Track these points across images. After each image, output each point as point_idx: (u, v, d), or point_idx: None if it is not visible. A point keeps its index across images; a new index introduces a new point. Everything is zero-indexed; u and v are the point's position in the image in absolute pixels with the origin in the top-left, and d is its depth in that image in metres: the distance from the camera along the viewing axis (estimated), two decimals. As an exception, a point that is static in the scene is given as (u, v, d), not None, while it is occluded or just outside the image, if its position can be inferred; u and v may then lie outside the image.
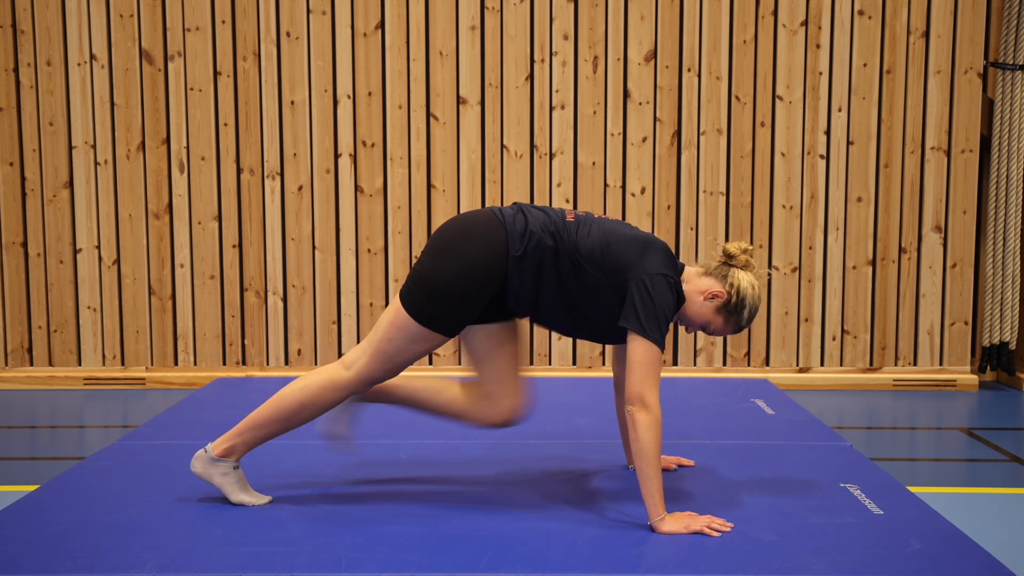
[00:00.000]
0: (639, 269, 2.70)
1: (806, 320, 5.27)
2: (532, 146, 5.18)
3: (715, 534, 2.61)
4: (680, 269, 2.82)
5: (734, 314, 2.81)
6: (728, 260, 2.83)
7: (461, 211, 5.17)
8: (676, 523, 2.64)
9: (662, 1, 5.12)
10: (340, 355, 5.22)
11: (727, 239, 5.21)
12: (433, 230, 5.17)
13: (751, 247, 2.86)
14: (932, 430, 4.64)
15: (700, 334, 5.25)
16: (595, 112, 5.17)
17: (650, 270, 2.70)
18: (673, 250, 5.20)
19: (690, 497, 2.92)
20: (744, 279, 2.80)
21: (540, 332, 5.24)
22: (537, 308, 2.81)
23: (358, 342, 5.22)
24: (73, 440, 4.42)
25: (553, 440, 3.59)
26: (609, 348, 5.28)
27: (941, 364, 5.30)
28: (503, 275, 2.73)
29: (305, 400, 2.81)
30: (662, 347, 2.68)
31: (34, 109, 5.13)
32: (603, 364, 5.25)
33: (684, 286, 2.81)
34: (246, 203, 5.20)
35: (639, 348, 2.66)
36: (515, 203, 2.84)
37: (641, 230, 2.86)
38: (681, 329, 5.24)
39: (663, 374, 5.15)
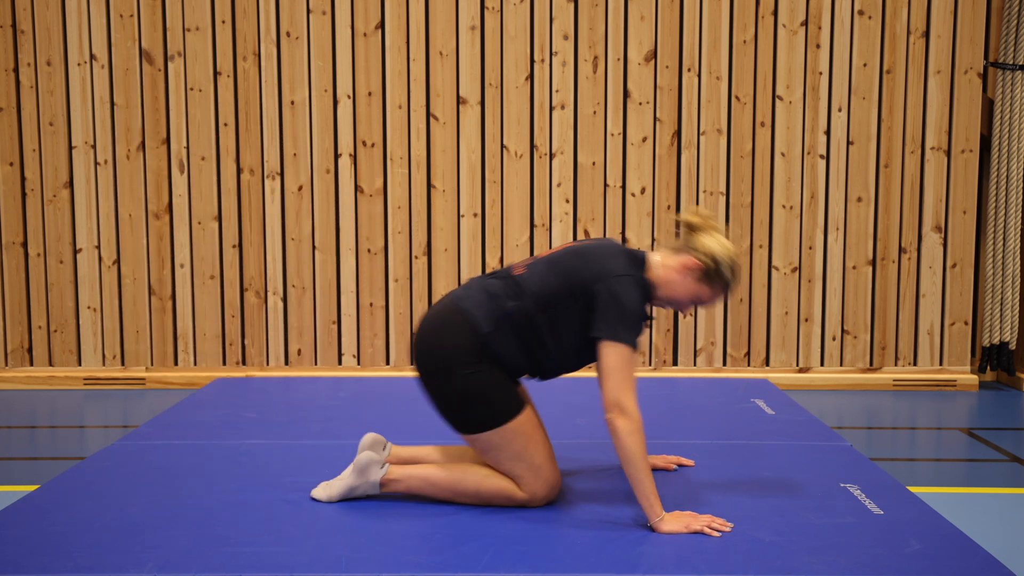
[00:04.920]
0: (599, 277, 2.70)
1: (806, 320, 5.27)
2: (532, 146, 5.18)
3: (715, 534, 2.61)
4: (642, 261, 2.79)
5: (717, 278, 2.77)
6: (690, 230, 2.80)
7: (461, 211, 5.18)
8: (676, 522, 2.64)
9: (662, 1, 5.12)
10: (340, 355, 5.23)
11: (727, 239, 5.20)
12: (432, 234, 5.18)
13: (706, 210, 2.83)
14: (932, 430, 4.64)
15: (700, 335, 5.25)
16: (595, 112, 5.17)
17: (611, 274, 2.70)
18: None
19: (690, 497, 2.92)
20: (711, 241, 2.76)
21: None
22: (540, 366, 2.82)
23: (358, 342, 5.23)
24: (73, 440, 4.42)
25: (553, 440, 3.58)
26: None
27: (941, 364, 5.30)
28: (486, 352, 2.74)
29: (482, 493, 2.81)
30: (635, 346, 2.67)
31: (34, 109, 5.13)
32: (603, 364, 5.24)
33: (657, 271, 2.78)
34: (246, 203, 5.20)
35: (610, 353, 2.66)
36: (470, 279, 2.87)
37: (588, 241, 2.86)
38: (681, 329, 5.24)
39: (664, 374, 5.18)
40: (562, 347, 2.78)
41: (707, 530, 2.61)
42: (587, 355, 2.81)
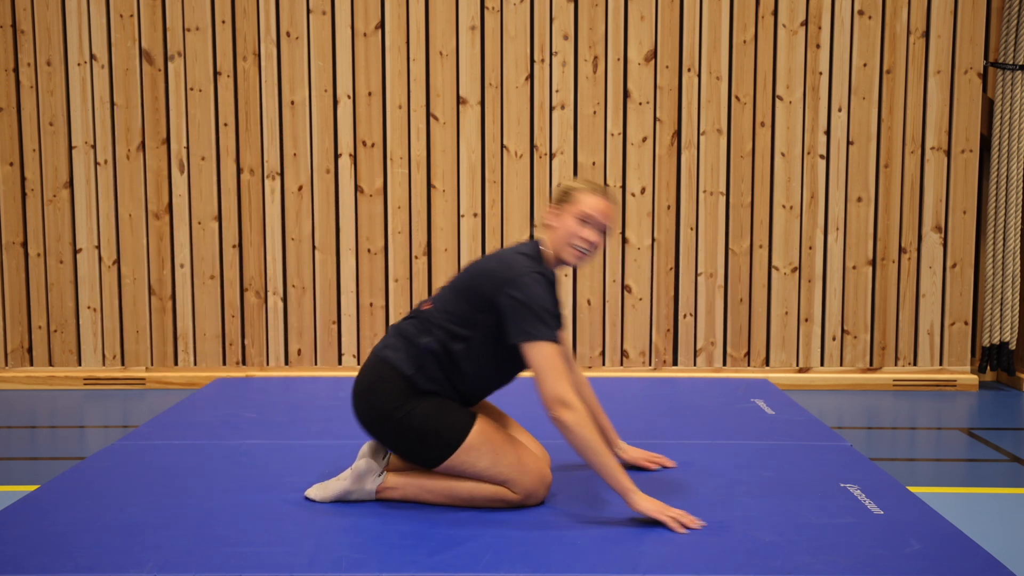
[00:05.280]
0: (498, 288, 2.73)
1: (806, 320, 5.27)
2: (532, 146, 5.18)
3: (680, 529, 2.61)
4: (536, 249, 2.86)
5: (570, 189, 2.85)
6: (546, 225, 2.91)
7: (461, 211, 5.18)
8: (651, 504, 2.66)
9: (662, 1, 5.12)
10: (340, 355, 5.23)
11: (727, 239, 5.21)
12: (432, 234, 5.18)
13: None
14: (932, 430, 4.64)
15: (700, 335, 5.25)
16: (595, 112, 5.17)
17: (508, 280, 2.73)
18: (673, 250, 5.21)
19: (690, 497, 2.92)
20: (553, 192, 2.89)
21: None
22: (467, 392, 2.85)
23: (358, 342, 5.23)
24: (73, 440, 4.42)
25: (553, 440, 3.59)
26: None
27: (941, 364, 5.30)
28: (416, 390, 2.77)
29: (476, 498, 2.82)
30: (556, 339, 2.69)
31: (34, 109, 5.13)
32: (603, 364, 5.25)
33: (547, 240, 2.85)
34: (246, 203, 5.20)
35: (535, 354, 2.68)
36: (390, 326, 2.92)
37: (485, 257, 2.89)
38: (681, 329, 5.24)
39: (664, 374, 5.18)
40: (486, 367, 2.82)
41: (673, 523, 2.62)
42: (512, 369, 2.86)
